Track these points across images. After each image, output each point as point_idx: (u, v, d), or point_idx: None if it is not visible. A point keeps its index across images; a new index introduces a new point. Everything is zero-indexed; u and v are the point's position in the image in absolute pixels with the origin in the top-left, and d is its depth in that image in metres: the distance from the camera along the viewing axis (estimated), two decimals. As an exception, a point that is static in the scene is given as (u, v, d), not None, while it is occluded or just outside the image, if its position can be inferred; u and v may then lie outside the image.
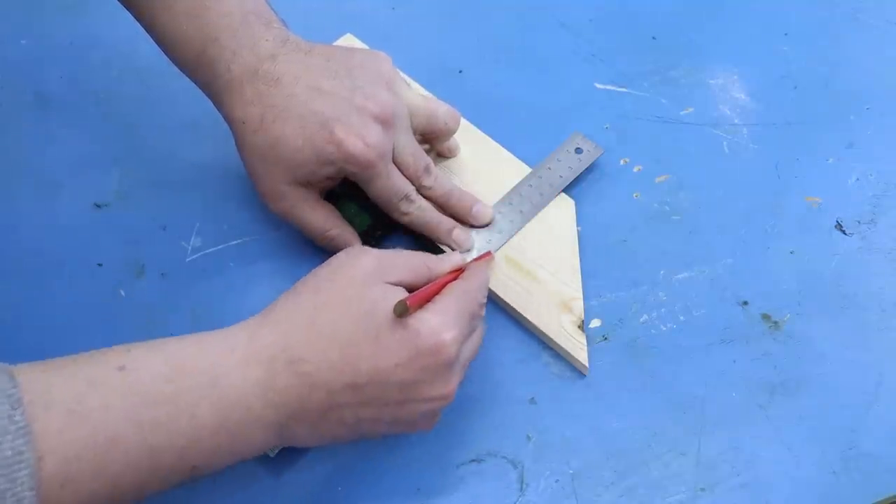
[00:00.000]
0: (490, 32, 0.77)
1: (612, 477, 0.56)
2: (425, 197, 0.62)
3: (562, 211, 0.66)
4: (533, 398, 0.59)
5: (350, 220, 0.63)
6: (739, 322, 0.62)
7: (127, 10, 0.62)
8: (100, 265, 0.64)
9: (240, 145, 0.60)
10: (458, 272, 0.55)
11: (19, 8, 0.78)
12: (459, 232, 0.63)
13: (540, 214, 0.65)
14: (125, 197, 0.67)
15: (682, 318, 0.62)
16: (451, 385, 0.51)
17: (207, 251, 0.65)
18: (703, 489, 0.56)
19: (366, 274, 0.51)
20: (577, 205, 0.66)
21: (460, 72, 0.74)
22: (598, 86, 0.74)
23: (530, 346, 0.61)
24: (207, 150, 0.69)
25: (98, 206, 0.67)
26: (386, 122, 0.58)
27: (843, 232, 0.67)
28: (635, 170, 0.69)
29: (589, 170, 0.68)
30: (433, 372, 0.50)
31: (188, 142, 0.69)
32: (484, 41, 0.76)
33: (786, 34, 0.77)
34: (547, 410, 0.59)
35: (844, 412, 0.59)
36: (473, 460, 0.57)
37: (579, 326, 0.61)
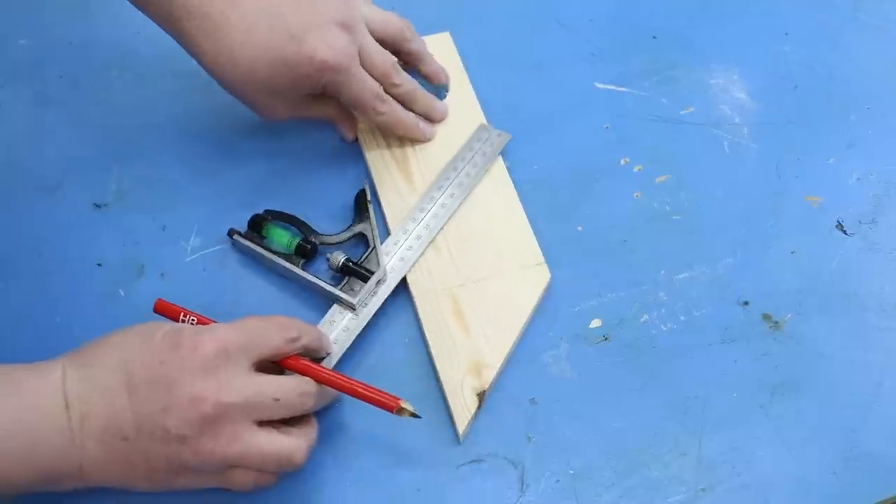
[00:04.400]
0: (490, 33, 0.77)
1: (612, 477, 0.56)
2: (393, 96, 0.66)
3: (532, 280, 0.62)
4: (533, 398, 0.59)
5: (280, 243, 0.63)
6: (740, 322, 0.62)
7: None
8: (99, 265, 0.64)
9: (221, 82, 0.62)
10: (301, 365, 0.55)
11: (19, 8, 0.77)
12: (425, 125, 0.68)
13: (509, 278, 0.62)
14: (125, 197, 0.67)
15: (682, 318, 0.62)
16: (220, 445, 0.50)
17: (207, 251, 0.65)
18: (703, 489, 0.56)
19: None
20: (577, 204, 0.66)
21: (460, 72, 0.74)
22: (598, 86, 0.74)
23: (530, 347, 0.61)
24: (207, 150, 0.69)
25: (98, 206, 0.67)
26: (347, 27, 0.62)
27: (844, 232, 0.67)
28: (635, 170, 0.69)
29: (589, 170, 0.69)
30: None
31: (188, 142, 0.69)
32: (484, 41, 0.76)
33: (786, 34, 0.77)
34: (547, 410, 0.59)
35: (845, 412, 0.59)
36: (474, 460, 0.57)
37: (479, 395, 0.58)
